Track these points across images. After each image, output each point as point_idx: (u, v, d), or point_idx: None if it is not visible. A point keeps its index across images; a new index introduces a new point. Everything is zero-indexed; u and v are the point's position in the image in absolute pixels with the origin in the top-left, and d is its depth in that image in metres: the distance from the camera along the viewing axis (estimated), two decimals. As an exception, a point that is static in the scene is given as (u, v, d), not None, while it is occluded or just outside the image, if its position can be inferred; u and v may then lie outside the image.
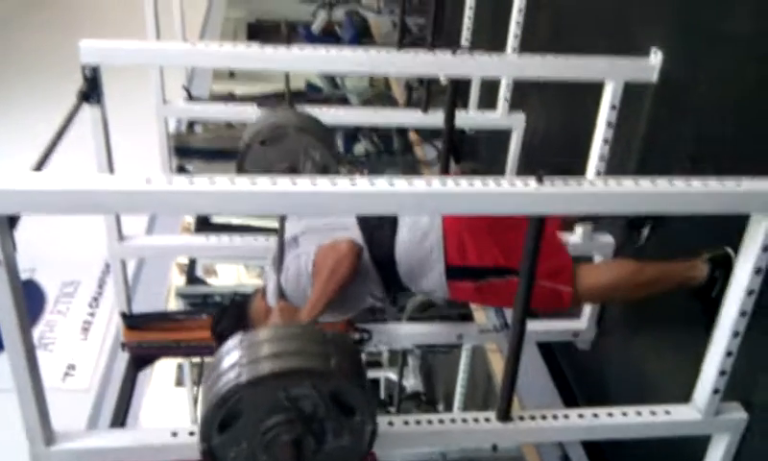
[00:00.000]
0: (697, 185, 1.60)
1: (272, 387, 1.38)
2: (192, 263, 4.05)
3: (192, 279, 4.06)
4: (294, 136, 2.37)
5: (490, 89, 3.93)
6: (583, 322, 2.71)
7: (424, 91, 4.03)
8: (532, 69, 2.46)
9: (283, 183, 1.47)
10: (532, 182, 1.54)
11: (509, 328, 1.86)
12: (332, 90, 5.86)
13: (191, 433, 1.70)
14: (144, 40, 3.37)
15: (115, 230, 2.45)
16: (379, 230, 2.11)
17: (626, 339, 2.63)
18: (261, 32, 7.82)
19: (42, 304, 3.20)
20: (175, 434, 1.71)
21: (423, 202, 1.53)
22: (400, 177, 1.53)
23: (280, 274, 2.04)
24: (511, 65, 2.56)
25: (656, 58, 2.42)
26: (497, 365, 2.99)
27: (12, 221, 1.44)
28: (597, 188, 1.59)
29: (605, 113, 2.46)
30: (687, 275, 2.08)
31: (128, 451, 1.71)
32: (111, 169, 2.40)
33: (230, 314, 2.19)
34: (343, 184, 1.49)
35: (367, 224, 2.13)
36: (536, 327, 2.72)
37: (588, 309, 2.69)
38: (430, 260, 2.07)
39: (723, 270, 1.99)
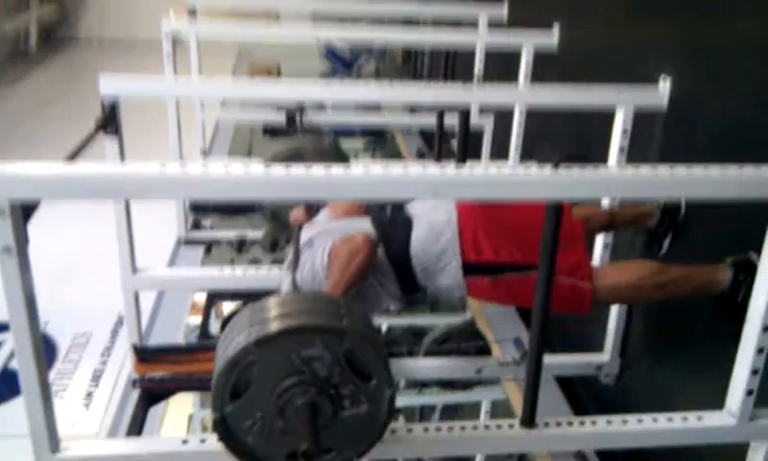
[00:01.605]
0: (715, 172, 1.58)
1: (283, 347, 1.34)
2: (206, 321, 4.01)
3: (205, 337, 4.00)
4: (312, 159, 2.40)
5: (500, 146, 3.98)
6: (606, 354, 2.63)
7: (435, 154, 4.09)
8: (543, 98, 2.50)
9: (297, 170, 1.47)
10: (547, 169, 1.53)
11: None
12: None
13: (202, 441, 1.64)
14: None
15: (129, 262, 2.45)
16: (394, 228, 2.11)
17: (652, 367, 2.54)
18: (278, 133, 7.96)
19: (53, 355, 3.16)
20: (185, 441, 1.65)
21: (439, 187, 1.51)
22: (415, 163, 1.53)
23: (296, 272, 2.02)
24: (522, 95, 2.59)
25: (665, 84, 2.45)
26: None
27: (27, 212, 1.44)
28: (612, 173, 1.59)
29: (617, 139, 2.47)
30: (711, 278, 2.05)
31: (135, 459, 1.65)
32: (128, 204, 2.43)
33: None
34: (357, 172, 1.49)
35: (381, 223, 2.13)
36: (555, 360, 2.65)
37: (610, 341, 2.61)
38: (446, 256, 2.05)
39: (747, 273, 1.95)
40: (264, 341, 1.33)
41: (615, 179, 1.57)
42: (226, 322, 2.03)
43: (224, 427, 1.40)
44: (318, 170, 1.47)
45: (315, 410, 1.40)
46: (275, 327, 1.34)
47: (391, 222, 2.15)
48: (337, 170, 1.48)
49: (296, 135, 4.24)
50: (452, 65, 5.89)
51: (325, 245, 2.04)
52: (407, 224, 2.11)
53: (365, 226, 2.12)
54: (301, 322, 1.36)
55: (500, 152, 3.94)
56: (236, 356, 1.33)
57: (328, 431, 1.44)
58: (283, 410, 1.40)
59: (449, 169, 1.52)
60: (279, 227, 2.81)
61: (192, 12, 4.20)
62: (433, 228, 2.07)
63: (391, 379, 1.44)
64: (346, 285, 1.91)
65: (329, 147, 2.67)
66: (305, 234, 2.20)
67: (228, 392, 1.36)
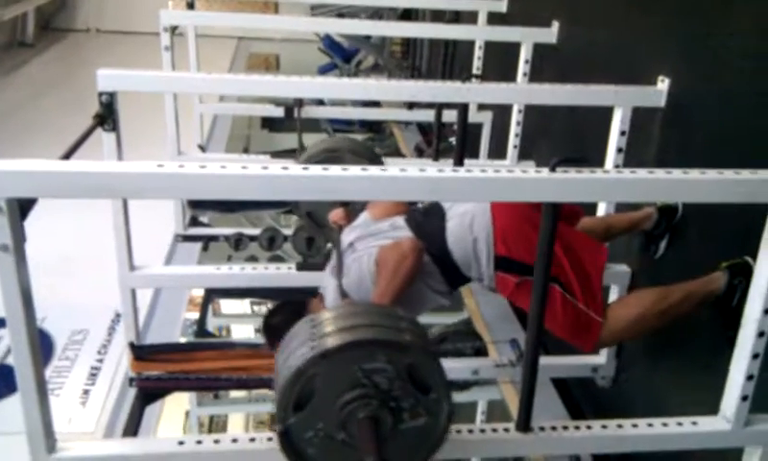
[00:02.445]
0: (712, 174, 1.58)
1: (347, 360, 1.36)
2: (203, 318, 4.01)
3: (202, 334, 4.01)
4: (348, 159, 2.40)
5: (498, 141, 3.98)
6: (602, 356, 2.63)
7: (433, 150, 4.08)
8: (541, 96, 2.49)
9: (294, 170, 1.47)
10: (544, 171, 1.54)
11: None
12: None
13: (198, 442, 1.64)
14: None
15: (126, 259, 2.44)
16: (429, 224, 2.11)
17: (648, 370, 2.54)
18: (276, 126, 7.88)
19: (50, 352, 3.16)
20: (181, 442, 1.65)
21: (435, 188, 1.51)
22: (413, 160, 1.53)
23: (341, 277, 2.05)
24: (520, 92, 2.59)
25: (663, 84, 2.45)
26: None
27: (24, 209, 1.44)
28: (610, 176, 1.58)
29: (614, 139, 2.47)
30: (708, 289, 2.05)
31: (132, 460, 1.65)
32: (125, 202, 2.42)
33: (287, 310, 2.19)
34: (355, 171, 1.48)
35: (416, 221, 2.13)
36: (551, 362, 2.66)
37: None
38: (479, 245, 2.04)
39: (743, 278, 1.95)
40: (330, 353, 1.34)
41: (612, 181, 1.57)
42: (268, 323, 2.13)
43: (286, 439, 1.41)
44: (315, 170, 1.47)
45: (377, 423, 1.41)
46: (340, 339, 1.36)
47: (425, 217, 2.15)
48: (334, 169, 1.48)
49: (294, 129, 4.22)
50: (451, 59, 5.88)
51: (371, 250, 2.05)
52: (441, 217, 2.11)
53: (400, 224, 2.13)
54: (367, 335, 1.37)
55: (499, 146, 3.94)
56: (302, 368, 1.34)
57: (387, 444, 1.45)
58: (346, 422, 1.41)
59: (447, 170, 1.52)
60: (314, 226, 2.81)
61: (190, 4, 4.18)
62: (465, 218, 2.07)
63: (449, 394, 1.44)
64: (394, 293, 1.92)
65: (365, 147, 2.67)
66: (346, 237, 2.22)
67: (292, 403, 1.37)
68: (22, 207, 1.41)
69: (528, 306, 2.05)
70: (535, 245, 2.00)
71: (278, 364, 1.42)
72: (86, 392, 2.95)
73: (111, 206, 2.38)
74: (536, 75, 3.54)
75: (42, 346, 3.08)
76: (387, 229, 2.14)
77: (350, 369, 1.36)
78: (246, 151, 7.09)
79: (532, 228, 2.03)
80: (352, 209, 2.38)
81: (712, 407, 1.80)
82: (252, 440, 1.62)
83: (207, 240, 3.87)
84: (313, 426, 1.41)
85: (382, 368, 1.37)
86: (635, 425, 1.76)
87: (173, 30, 3.47)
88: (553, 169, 1.54)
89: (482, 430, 1.74)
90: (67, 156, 2.03)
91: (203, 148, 4.23)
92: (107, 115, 2.29)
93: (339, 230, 2.29)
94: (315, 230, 2.82)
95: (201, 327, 4.03)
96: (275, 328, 2.13)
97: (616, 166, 2.50)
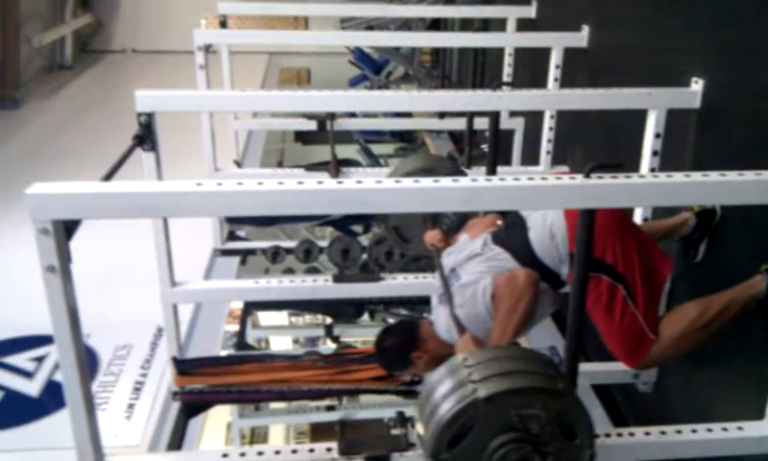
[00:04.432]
0: (750, 176, 1.57)
1: (506, 405, 1.40)
2: (243, 330, 4.07)
3: (242, 346, 4.07)
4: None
5: (531, 147, 3.97)
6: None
7: (466, 159, 4.08)
8: (573, 101, 2.48)
9: (330, 184, 1.50)
10: (579, 178, 1.54)
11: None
12: (370, 163, 6.01)
13: (242, 454, 1.67)
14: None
15: (167, 276, 2.49)
16: (513, 239, 2.10)
17: (691, 375, 2.50)
18: (310, 139, 7.92)
19: (96, 367, 3.23)
20: (225, 455, 1.68)
21: (471, 198, 1.52)
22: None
23: (453, 306, 2.05)
24: (551, 99, 2.58)
25: (697, 85, 2.42)
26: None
27: (69, 230, 1.48)
28: (646, 181, 1.57)
29: (649, 142, 2.45)
30: (749, 294, 2.01)
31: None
32: (165, 220, 2.47)
33: (399, 331, 2.24)
34: (388, 183, 1.51)
35: (501, 238, 2.14)
36: (592, 368, 2.63)
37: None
38: (559, 247, 2.02)
39: (784, 279, 1.92)
40: (492, 398, 1.38)
41: (648, 186, 1.56)
42: (381, 345, 2.20)
43: None
44: (348, 183, 1.50)
45: None
46: (505, 385, 1.39)
47: (508, 232, 2.15)
48: (368, 182, 1.50)
49: (327, 141, 4.27)
50: (481, 66, 5.88)
51: (485, 281, 2.03)
52: (522, 227, 2.10)
53: (492, 244, 2.13)
54: (530, 383, 1.41)
55: (532, 153, 3.92)
56: (462, 410, 1.38)
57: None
58: None
59: (480, 179, 1.53)
60: (399, 240, 2.85)
61: (223, 23, 4.26)
62: (545, 224, 2.05)
63: (593, 442, 1.47)
64: (516, 329, 1.93)
65: (456, 168, 2.71)
66: (447, 261, 2.23)
67: (447, 441, 1.41)
68: (67, 229, 1.46)
69: (591, 305, 2.01)
70: (608, 240, 1.96)
71: (433, 400, 1.44)
72: (131, 406, 3.01)
73: (152, 224, 2.43)
74: (567, 79, 3.53)
75: (88, 362, 3.16)
76: (481, 250, 2.13)
77: (508, 413, 1.40)
78: (280, 164, 7.21)
79: (607, 224, 1.97)
80: (442, 226, 2.40)
81: (759, 412, 1.77)
82: (294, 451, 1.65)
83: (245, 254, 3.92)
84: None
85: (536, 414, 1.41)
86: (678, 432, 1.75)
87: (206, 48, 3.54)
88: (587, 175, 1.54)
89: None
90: (108, 176, 2.08)
91: (238, 163, 4.30)
92: (146, 136, 2.34)
93: (437, 252, 2.31)
94: (399, 245, 2.86)
95: (240, 339, 4.09)
96: (388, 350, 2.21)
97: (652, 169, 2.48)
